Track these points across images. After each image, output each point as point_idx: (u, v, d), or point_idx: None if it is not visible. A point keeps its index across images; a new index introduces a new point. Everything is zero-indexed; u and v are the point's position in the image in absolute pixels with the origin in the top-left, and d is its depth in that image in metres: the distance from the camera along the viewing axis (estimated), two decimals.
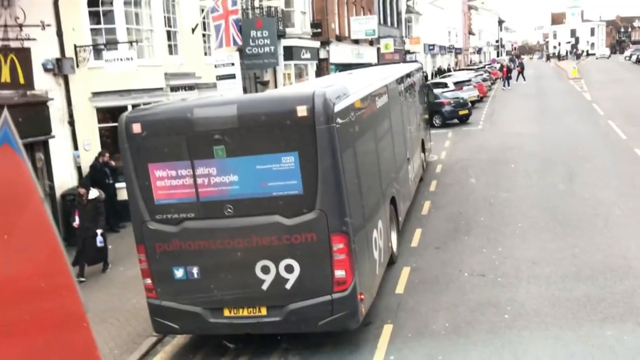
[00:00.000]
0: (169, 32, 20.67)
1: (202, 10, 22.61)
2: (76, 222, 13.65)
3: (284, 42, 29.98)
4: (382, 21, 51.01)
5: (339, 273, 8.69)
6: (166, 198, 8.97)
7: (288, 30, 30.88)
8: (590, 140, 25.16)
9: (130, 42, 17.77)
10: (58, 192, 16.27)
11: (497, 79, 61.24)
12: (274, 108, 8.76)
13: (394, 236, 12.64)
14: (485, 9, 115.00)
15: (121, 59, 16.79)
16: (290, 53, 30.50)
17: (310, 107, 8.41)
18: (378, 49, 48.68)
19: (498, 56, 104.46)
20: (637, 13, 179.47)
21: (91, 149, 17.41)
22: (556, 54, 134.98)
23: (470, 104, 35.15)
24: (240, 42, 22.89)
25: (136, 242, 9.30)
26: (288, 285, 8.81)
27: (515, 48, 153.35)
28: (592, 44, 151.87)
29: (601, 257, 12.19)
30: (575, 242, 13.18)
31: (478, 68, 64.69)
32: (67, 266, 2.45)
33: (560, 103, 40.39)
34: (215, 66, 20.90)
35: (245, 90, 24.52)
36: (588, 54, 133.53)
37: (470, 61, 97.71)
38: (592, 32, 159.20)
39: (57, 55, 16.39)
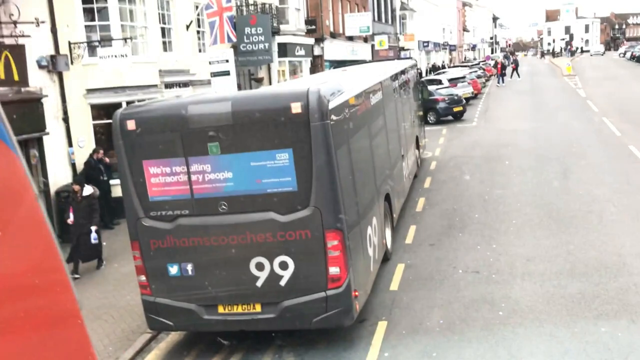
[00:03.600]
0: (163, 29, 20.65)
1: (197, 7, 22.57)
2: (70, 219, 13.65)
3: (278, 39, 29.97)
4: (376, 18, 51.03)
5: (333, 270, 8.69)
6: (160, 195, 8.96)
7: (282, 27, 30.84)
8: (584, 137, 25.19)
9: (125, 39, 17.75)
10: (52, 189, 16.25)
11: (491, 76, 61.40)
12: (269, 105, 8.74)
13: (388, 233, 12.65)
14: (479, 6, 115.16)
15: (115, 56, 16.77)
16: (284, 50, 30.47)
17: (304, 104, 8.41)
18: (372, 46, 48.70)
19: (492, 53, 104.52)
20: (631, 10, 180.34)
21: (85, 145, 17.39)
22: (550, 51, 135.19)
23: (464, 101, 35.20)
24: (234, 39, 22.86)
25: (130, 239, 9.29)
26: (282, 282, 8.81)
27: (509, 45, 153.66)
28: (587, 41, 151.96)
29: (595, 253, 12.21)
30: (570, 238, 13.21)
31: (472, 65, 64.73)
32: (61, 263, 2.45)
33: (555, 100, 40.44)
34: (210, 63, 20.84)
35: (239, 87, 24.50)
36: (582, 51, 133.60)
37: (465, 58, 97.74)
38: (587, 29, 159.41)
39: (52, 52, 16.36)
